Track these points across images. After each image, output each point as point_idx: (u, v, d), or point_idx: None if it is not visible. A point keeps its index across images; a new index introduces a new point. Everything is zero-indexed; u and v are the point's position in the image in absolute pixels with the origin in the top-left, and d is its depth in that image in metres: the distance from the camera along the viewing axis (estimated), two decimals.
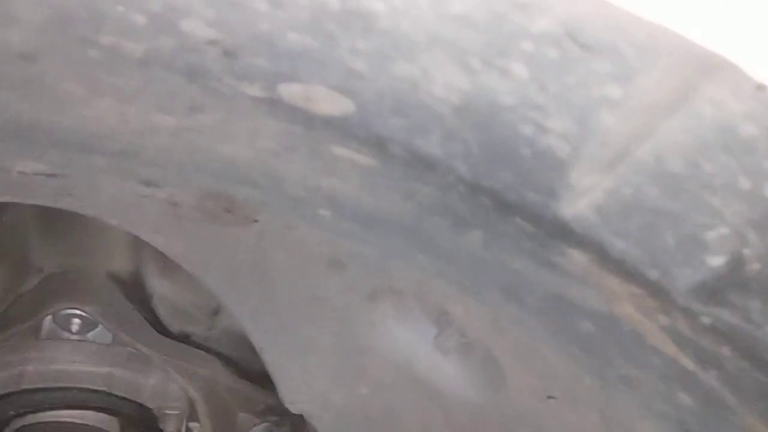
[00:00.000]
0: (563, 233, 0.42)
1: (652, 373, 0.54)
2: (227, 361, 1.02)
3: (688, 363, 0.49)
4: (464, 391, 0.72)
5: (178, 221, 0.64)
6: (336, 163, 0.50)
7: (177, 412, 0.98)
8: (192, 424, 1.03)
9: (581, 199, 0.39)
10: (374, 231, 0.59)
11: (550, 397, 0.65)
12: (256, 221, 0.62)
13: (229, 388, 1.02)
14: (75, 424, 0.98)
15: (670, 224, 0.37)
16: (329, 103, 0.41)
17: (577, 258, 0.46)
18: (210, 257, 0.68)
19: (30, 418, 0.97)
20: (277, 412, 1.11)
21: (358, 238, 0.61)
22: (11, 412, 0.97)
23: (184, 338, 1.00)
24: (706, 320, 0.41)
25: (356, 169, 0.50)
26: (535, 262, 0.50)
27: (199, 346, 1.00)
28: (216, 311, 1.00)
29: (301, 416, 1.17)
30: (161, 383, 0.98)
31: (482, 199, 0.44)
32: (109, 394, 0.98)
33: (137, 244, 0.94)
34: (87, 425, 0.98)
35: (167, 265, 0.91)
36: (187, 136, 0.50)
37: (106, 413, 0.99)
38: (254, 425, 1.09)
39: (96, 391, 0.98)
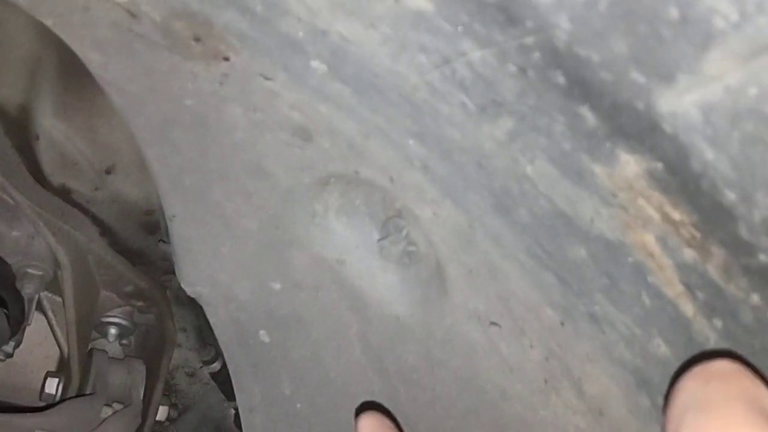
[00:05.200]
0: (640, 131, 0.37)
1: (631, 315, 0.51)
2: (106, 230, 0.91)
3: (688, 308, 0.46)
4: (394, 305, 0.67)
5: (131, 40, 0.53)
6: (372, 0, 0.42)
7: (39, 273, 0.86)
8: (46, 295, 0.91)
9: (694, 92, 0.33)
10: (369, 102, 0.51)
11: (493, 324, 0.61)
12: (226, 59, 0.53)
13: (100, 260, 0.90)
14: None
15: None
16: None
17: (626, 168, 0.41)
18: (151, 95, 0.57)
19: None
20: (145, 296, 1.01)
21: (343, 107, 0.53)
22: None
23: (64, 194, 0.88)
24: (763, 258, 0.37)
25: (395, 12, 0.42)
26: (560, 168, 0.45)
27: (78, 207, 0.88)
28: (109, 170, 0.88)
29: (168, 306, 1.07)
30: (27, 238, 0.85)
31: (555, 75, 0.38)
32: None
33: (37, 72, 0.79)
34: None
35: (67, 104, 0.78)
36: None
37: None
38: (115, 307, 0.98)
39: None
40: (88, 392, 0.95)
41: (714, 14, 0.30)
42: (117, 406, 0.93)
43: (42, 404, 0.98)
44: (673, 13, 0.30)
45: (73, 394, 0.96)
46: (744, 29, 0.30)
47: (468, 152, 0.50)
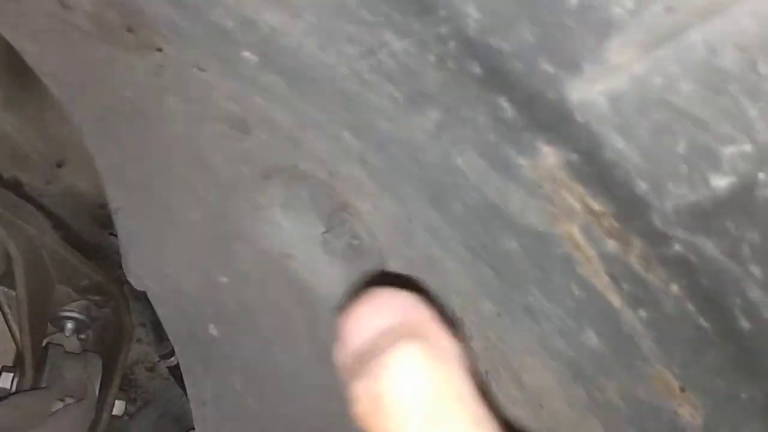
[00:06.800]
0: (554, 122, 0.37)
1: (564, 306, 0.51)
2: (59, 223, 0.90)
3: (615, 299, 0.46)
4: (339, 299, 0.67)
5: (65, 30, 0.52)
6: None
7: None
8: (1, 288, 0.90)
9: (601, 81, 0.33)
10: (302, 93, 0.51)
11: None
12: (159, 50, 0.52)
13: (53, 253, 0.90)
14: None
15: (688, 130, 0.33)
16: None
17: (547, 159, 0.41)
18: (89, 86, 0.57)
19: None
20: (101, 291, 1.00)
21: (277, 98, 0.53)
22: None
23: (16, 187, 0.87)
24: (677, 249, 0.38)
25: (318, 2, 0.42)
26: (488, 160, 0.45)
27: (30, 200, 0.87)
28: (60, 163, 0.87)
29: (125, 300, 1.07)
30: None
31: (472, 65, 0.38)
32: None
33: None
34: None
35: (17, 97, 0.77)
36: None
37: None
38: (72, 301, 0.97)
39: None
40: (43, 386, 0.94)
41: (612, 2, 0.30)
42: (69, 401, 0.92)
43: None
44: (573, 1, 0.30)
45: (28, 388, 0.96)
46: (641, 17, 0.30)
47: (401, 144, 0.50)
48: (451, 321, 0.34)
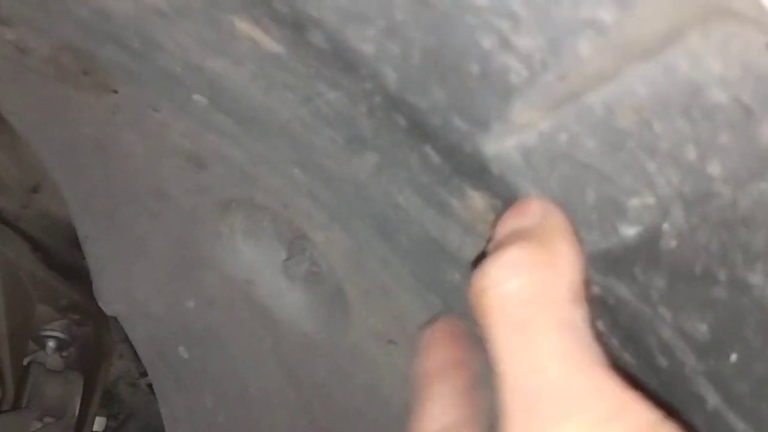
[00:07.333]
0: (475, 171, 0.39)
1: None
2: (36, 246, 0.92)
3: None
4: (302, 322, 0.69)
5: (24, 73, 0.54)
6: (233, 41, 0.44)
7: None
8: None
9: (511, 137, 0.35)
10: (251, 132, 0.53)
11: (390, 342, 0.63)
12: (114, 92, 0.54)
13: (32, 275, 0.92)
14: None
15: (595, 183, 0.35)
16: None
17: (475, 201, 0.43)
18: (50, 123, 0.59)
19: None
20: (81, 309, 1.02)
21: (229, 136, 0.54)
22: None
23: None
24: (595, 290, 0.39)
25: (256, 53, 0.43)
26: (424, 199, 0.47)
27: (7, 224, 0.89)
28: (36, 188, 0.89)
29: (105, 318, 1.08)
30: None
31: (397, 117, 0.39)
32: None
33: None
34: None
35: None
36: None
37: None
38: (53, 320, 0.99)
39: None
40: (23, 405, 0.96)
41: (508, 71, 0.31)
42: (48, 420, 0.94)
43: None
44: (474, 68, 0.32)
45: (9, 407, 0.98)
46: (537, 84, 0.31)
47: (346, 182, 0.51)
48: None
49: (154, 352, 0.78)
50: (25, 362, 1.01)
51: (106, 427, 1.04)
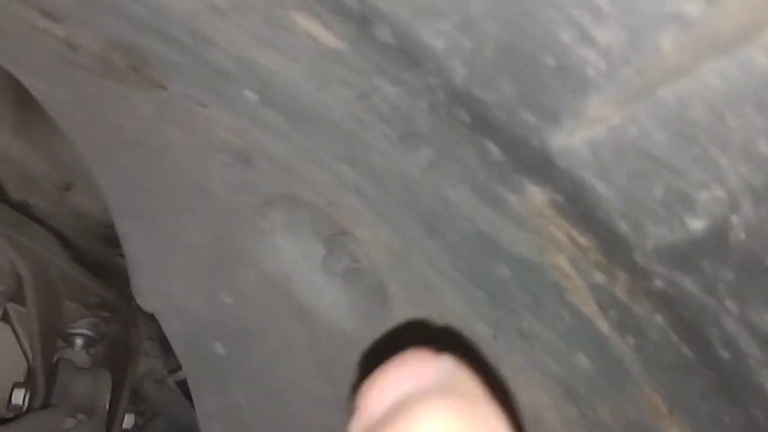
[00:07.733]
0: (538, 166, 0.39)
1: (556, 330, 0.53)
2: (68, 243, 0.92)
3: (603, 325, 0.48)
4: (340, 319, 0.69)
5: (71, 70, 0.54)
6: (290, 37, 0.44)
7: (1, 287, 0.87)
8: (12, 306, 0.92)
9: (581, 131, 0.35)
10: (301, 128, 0.53)
11: None
12: (163, 88, 0.54)
13: (63, 273, 0.92)
14: None
15: (665, 176, 0.35)
16: None
17: (534, 197, 0.43)
18: (95, 120, 0.59)
19: None
20: (110, 307, 1.03)
21: (278, 132, 0.55)
22: None
23: (24, 209, 0.89)
24: (659, 284, 0.39)
25: (315, 48, 0.44)
26: (478, 195, 0.47)
27: (39, 222, 0.89)
28: (69, 186, 0.90)
29: (132, 316, 1.09)
30: None
31: (460, 112, 0.40)
32: None
33: None
34: None
35: (25, 122, 0.79)
36: None
37: None
38: (81, 317, 1.00)
39: None
40: (53, 402, 0.97)
41: (586, 65, 0.32)
42: (81, 417, 0.95)
43: (10, 415, 1.00)
44: (550, 61, 0.32)
45: (39, 404, 0.98)
46: (614, 78, 0.32)
47: (396, 178, 0.51)
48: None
49: (189, 349, 0.78)
50: (53, 359, 1.02)
51: (134, 423, 1.05)
